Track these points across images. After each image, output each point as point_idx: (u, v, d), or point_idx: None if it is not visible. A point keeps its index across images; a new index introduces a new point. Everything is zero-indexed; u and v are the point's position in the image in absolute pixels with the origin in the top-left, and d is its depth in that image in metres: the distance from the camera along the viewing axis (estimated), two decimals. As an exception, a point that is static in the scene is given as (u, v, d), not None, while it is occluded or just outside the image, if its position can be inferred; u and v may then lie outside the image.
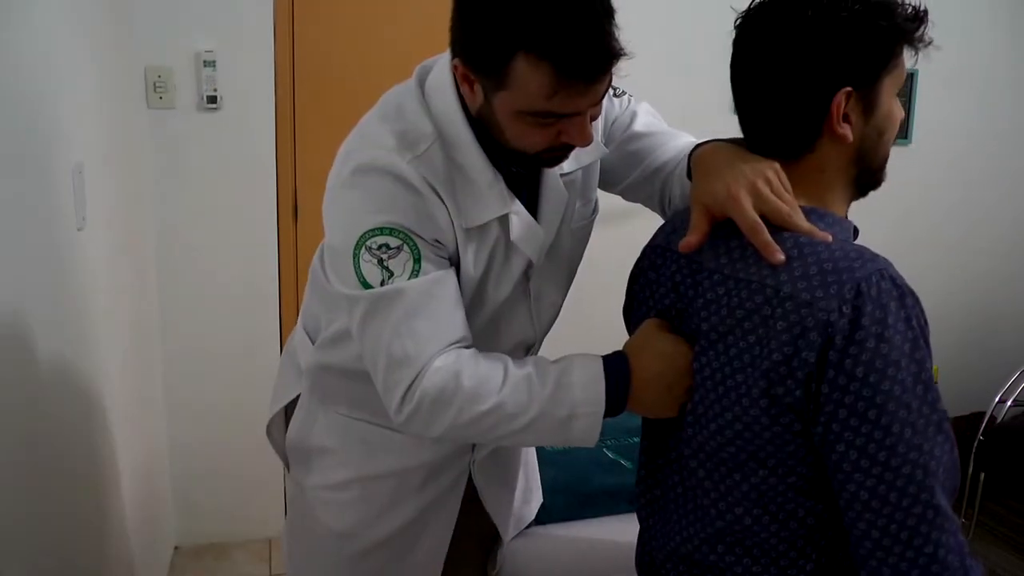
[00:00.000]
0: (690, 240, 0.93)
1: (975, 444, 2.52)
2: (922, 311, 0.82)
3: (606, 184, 1.24)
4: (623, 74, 0.95)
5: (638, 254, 1.09)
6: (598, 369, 0.98)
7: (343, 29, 2.37)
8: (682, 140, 1.19)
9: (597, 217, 1.24)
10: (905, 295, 0.80)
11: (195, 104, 2.27)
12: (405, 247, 0.99)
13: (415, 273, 0.99)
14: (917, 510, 0.78)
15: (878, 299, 0.79)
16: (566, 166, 1.12)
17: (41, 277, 1.29)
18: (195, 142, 2.29)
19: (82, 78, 1.62)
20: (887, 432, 0.78)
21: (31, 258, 1.23)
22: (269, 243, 2.41)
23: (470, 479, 1.28)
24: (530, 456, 1.45)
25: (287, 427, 1.31)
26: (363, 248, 0.99)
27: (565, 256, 1.19)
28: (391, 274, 0.99)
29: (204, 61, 2.23)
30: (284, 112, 2.35)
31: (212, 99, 2.26)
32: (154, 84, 2.22)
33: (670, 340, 0.96)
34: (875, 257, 0.83)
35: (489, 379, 0.99)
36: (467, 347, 1.02)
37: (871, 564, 0.81)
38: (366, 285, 0.99)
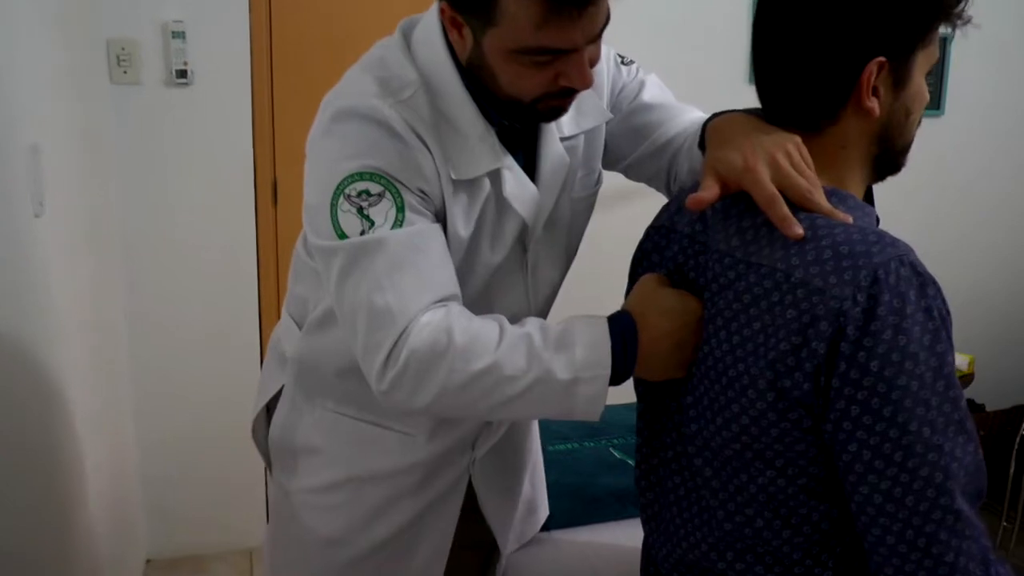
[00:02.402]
0: (701, 196, 0.91)
1: (1016, 441, 2.51)
2: (944, 301, 0.82)
3: (610, 160, 1.24)
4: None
5: (640, 236, 1.09)
6: (603, 329, 0.97)
7: (323, -6, 2.37)
8: (693, 114, 1.19)
9: (600, 197, 1.23)
10: (926, 284, 0.80)
11: (163, 79, 2.26)
12: (387, 194, 0.98)
13: (398, 223, 0.98)
14: (936, 515, 0.79)
15: (896, 287, 0.79)
16: (566, 128, 1.13)
17: (-4, 268, 1.29)
18: (164, 121, 2.28)
19: (37, 52, 1.62)
20: (903, 431, 0.78)
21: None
22: (247, 230, 2.41)
23: (470, 484, 1.28)
24: (537, 463, 1.45)
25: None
26: (341, 196, 0.98)
27: (564, 228, 1.19)
28: (372, 223, 0.98)
29: (172, 32, 2.23)
30: (261, 87, 2.35)
31: (182, 73, 2.25)
32: (118, 58, 2.21)
33: (675, 295, 0.97)
34: (895, 242, 0.83)
35: (483, 336, 0.96)
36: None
37: (886, 573, 0.82)
38: (343, 236, 0.98)
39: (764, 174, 0.88)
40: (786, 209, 0.86)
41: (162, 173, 2.31)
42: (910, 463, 0.79)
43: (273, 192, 2.41)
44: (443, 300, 0.99)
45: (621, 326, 0.97)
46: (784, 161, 0.88)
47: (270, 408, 1.32)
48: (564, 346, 0.96)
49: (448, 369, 0.95)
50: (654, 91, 1.21)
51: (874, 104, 0.87)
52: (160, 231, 2.34)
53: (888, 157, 0.93)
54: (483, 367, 0.95)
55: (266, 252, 2.44)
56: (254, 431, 1.36)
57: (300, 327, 1.24)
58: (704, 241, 0.95)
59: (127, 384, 2.38)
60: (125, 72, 2.22)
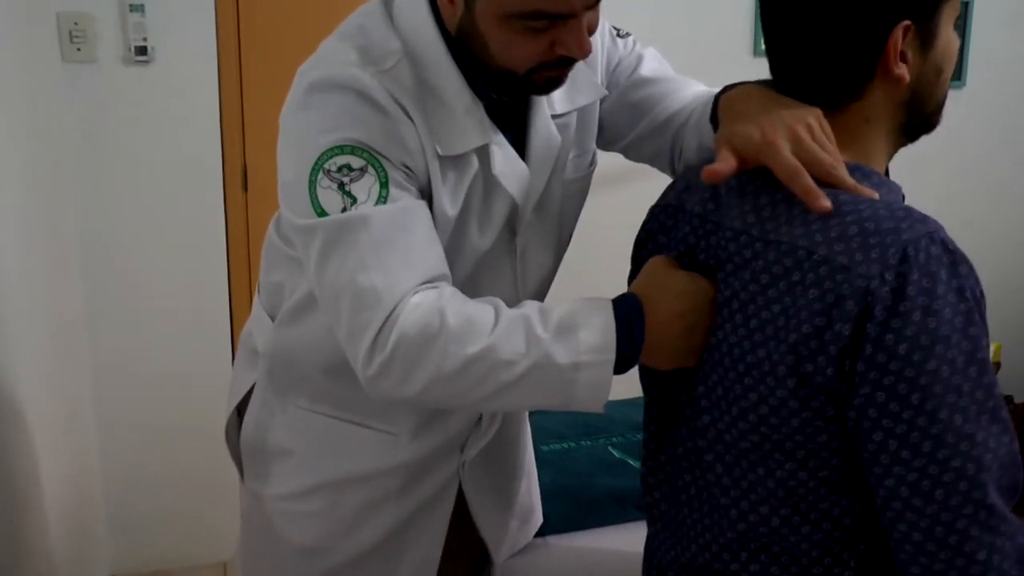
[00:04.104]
0: (717, 168, 0.91)
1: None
2: (977, 281, 0.82)
3: (609, 140, 1.24)
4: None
5: (640, 221, 1.09)
6: (607, 311, 0.96)
7: (295, -36, 2.35)
8: (696, 88, 1.19)
9: (595, 185, 1.23)
10: (958, 262, 0.81)
11: (121, 57, 2.23)
12: (370, 168, 0.98)
13: (382, 199, 0.98)
14: (967, 510, 0.79)
15: (926, 266, 0.79)
16: (559, 105, 1.13)
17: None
18: (122, 102, 2.25)
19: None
20: (933, 419, 0.78)
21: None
22: (215, 220, 2.39)
23: (461, 490, 1.28)
24: (531, 467, 1.45)
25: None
26: (320, 172, 0.98)
27: (555, 212, 1.19)
28: (354, 200, 0.98)
29: (130, 5, 2.20)
30: (229, 64, 2.33)
31: (141, 50, 2.23)
32: (70, 33, 2.17)
33: (685, 276, 0.96)
34: (925, 218, 0.83)
35: (478, 319, 0.96)
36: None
37: (913, 572, 0.82)
38: (323, 213, 0.98)
39: (784, 147, 0.88)
40: (811, 181, 0.86)
41: (121, 159, 2.28)
42: (940, 454, 0.78)
43: (243, 178, 2.40)
44: (433, 280, 0.99)
45: (627, 308, 0.96)
46: (805, 135, 0.88)
47: (241, 409, 1.31)
48: (565, 329, 0.95)
49: (440, 353, 0.94)
50: (652, 64, 1.21)
51: (903, 71, 0.87)
52: (120, 222, 2.31)
53: (918, 120, 0.93)
54: (477, 351, 0.94)
55: (236, 243, 2.42)
56: (227, 434, 1.35)
57: (273, 319, 1.23)
58: (717, 220, 0.95)
59: (88, 386, 2.35)
60: (78, 49, 2.19)
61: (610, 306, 0.96)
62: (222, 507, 2.43)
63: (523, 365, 0.94)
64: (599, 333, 0.94)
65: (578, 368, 0.95)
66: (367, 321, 0.96)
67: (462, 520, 1.29)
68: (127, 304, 2.36)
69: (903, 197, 0.94)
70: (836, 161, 0.88)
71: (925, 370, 0.78)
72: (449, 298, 0.97)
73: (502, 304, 0.99)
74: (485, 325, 0.95)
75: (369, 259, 0.96)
